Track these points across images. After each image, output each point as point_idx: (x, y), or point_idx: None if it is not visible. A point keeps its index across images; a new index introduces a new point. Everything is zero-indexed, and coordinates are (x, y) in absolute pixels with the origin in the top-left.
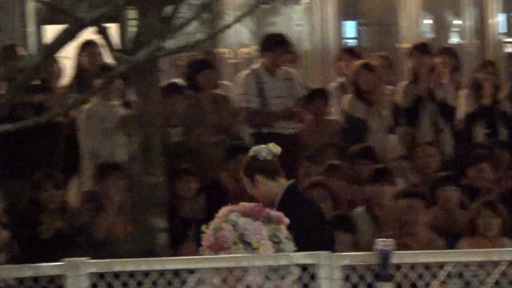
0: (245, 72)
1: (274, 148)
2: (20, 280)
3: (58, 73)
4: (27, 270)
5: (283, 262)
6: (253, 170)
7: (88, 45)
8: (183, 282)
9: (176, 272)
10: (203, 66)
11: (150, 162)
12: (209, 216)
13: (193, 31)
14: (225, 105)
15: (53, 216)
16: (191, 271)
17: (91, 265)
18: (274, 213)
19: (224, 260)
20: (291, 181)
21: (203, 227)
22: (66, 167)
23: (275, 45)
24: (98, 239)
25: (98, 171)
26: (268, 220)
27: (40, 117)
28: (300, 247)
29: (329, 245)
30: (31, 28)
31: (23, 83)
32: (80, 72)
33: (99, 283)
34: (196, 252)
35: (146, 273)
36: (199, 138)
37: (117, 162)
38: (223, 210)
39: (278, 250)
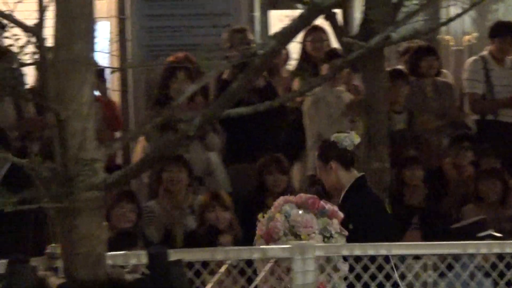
0: (473, 58)
1: (356, 138)
2: (248, 262)
3: (285, 58)
4: (255, 252)
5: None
6: (330, 155)
7: (313, 31)
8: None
9: (402, 258)
10: (427, 52)
11: (375, 147)
12: (429, 204)
13: (416, 19)
14: (448, 92)
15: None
16: (417, 257)
17: (319, 249)
18: (329, 206)
19: (445, 247)
20: (360, 174)
21: (259, 216)
22: (289, 152)
23: (504, 32)
24: None
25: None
26: (322, 213)
27: (272, 101)
28: (358, 241)
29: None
30: (257, 12)
31: (258, 68)
32: (306, 57)
33: (326, 267)
34: (419, 239)
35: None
36: (423, 125)
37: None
38: (280, 200)
39: None
